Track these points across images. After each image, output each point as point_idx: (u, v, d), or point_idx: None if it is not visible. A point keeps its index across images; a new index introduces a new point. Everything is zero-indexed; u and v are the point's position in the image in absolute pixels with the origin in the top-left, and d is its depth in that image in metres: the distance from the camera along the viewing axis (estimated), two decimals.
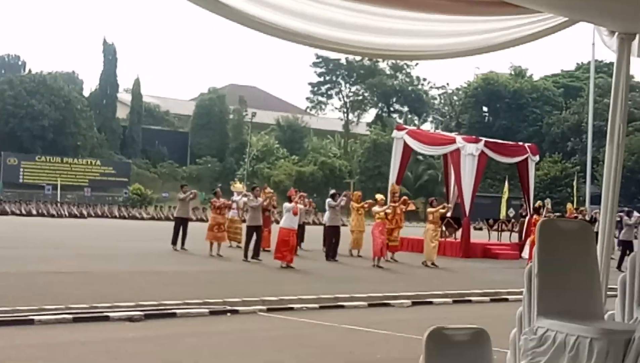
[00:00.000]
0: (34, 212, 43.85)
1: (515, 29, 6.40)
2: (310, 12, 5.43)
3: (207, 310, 12.43)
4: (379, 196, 22.98)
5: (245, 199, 24.50)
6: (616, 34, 6.69)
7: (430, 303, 15.21)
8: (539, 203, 26.63)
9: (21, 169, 57.13)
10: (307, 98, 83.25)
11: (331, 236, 22.64)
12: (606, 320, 4.91)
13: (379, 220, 21.86)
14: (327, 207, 23.45)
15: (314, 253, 23.55)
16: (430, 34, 6.17)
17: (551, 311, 4.63)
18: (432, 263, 22.39)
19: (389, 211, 22.62)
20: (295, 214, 19.86)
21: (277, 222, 22.39)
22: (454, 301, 15.64)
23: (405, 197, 25.18)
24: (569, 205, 31.54)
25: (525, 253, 27.39)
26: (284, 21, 5.38)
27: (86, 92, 70.85)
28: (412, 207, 24.59)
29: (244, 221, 23.06)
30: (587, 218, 27.16)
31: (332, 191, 24.79)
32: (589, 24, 6.87)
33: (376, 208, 22.27)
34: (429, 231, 22.94)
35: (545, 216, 24.93)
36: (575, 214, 28.26)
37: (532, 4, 6.09)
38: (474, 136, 30.23)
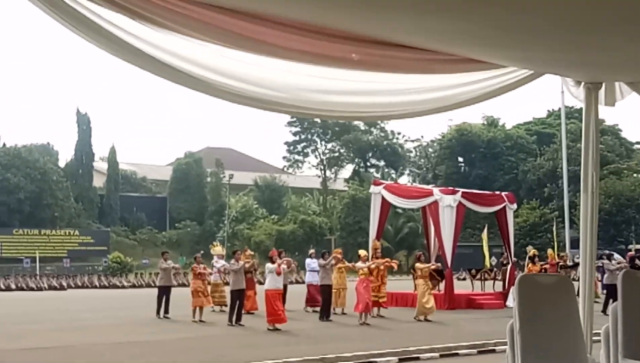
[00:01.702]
0: (13, 286, 43.18)
1: (482, 83, 6.44)
2: (273, 79, 5.45)
3: None
4: (362, 252, 22.94)
5: (224, 263, 24.53)
6: (582, 84, 6.78)
7: (417, 358, 15.02)
8: (532, 251, 26.66)
9: None
10: (284, 157, 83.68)
11: (325, 295, 22.55)
12: None
13: (363, 276, 21.73)
14: (317, 266, 23.37)
15: (297, 313, 23.31)
16: (397, 92, 6.20)
17: None
18: (425, 318, 22.24)
19: (372, 266, 22.54)
20: (278, 274, 19.75)
21: (261, 283, 22.20)
22: (441, 356, 15.46)
23: (387, 260, 25.05)
24: (549, 251, 31.58)
25: (509, 302, 27.35)
26: (251, 89, 5.39)
27: (62, 163, 70.74)
28: (394, 266, 24.67)
29: (226, 283, 22.94)
30: (569, 262, 27.22)
31: (323, 251, 24.77)
32: (553, 75, 6.97)
33: (359, 264, 22.17)
34: (420, 287, 22.83)
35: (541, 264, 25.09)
36: (557, 261, 28.35)
37: (496, 59, 6.16)
38: (450, 188, 30.33)
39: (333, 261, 23.26)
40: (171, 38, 4.89)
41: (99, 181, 70.20)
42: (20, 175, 60.11)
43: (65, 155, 77.90)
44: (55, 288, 43.42)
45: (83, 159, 68.92)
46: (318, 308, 23.09)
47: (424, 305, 22.44)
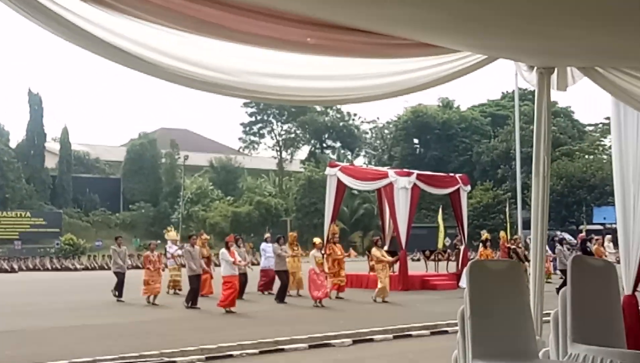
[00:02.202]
0: None
1: (436, 68, 6.47)
2: (227, 63, 5.41)
3: None
4: (316, 240, 23.01)
5: (176, 248, 24.54)
6: (535, 68, 6.85)
7: (372, 340, 15.12)
8: (485, 235, 26.89)
9: None
10: (240, 138, 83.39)
11: (282, 280, 22.58)
12: (541, 359, 4.93)
13: (317, 264, 21.76)
14: (272, 253, 23.38)
15: (252, 296, 23.32)
16: (352, 77, 6.19)
17: (486, 353, 4.62)
18: (383, 299, 22.43)
19: (323, 253, 22.66)
20: (235, 265, 19.76)
21: (217, 265, 22.15)
22: (395, 337, 15.57)
23: (345, 254, 25.16)
24: (502, 234, 32.01)
25: (462, 283, 27.69)
26: (206, 73, 5.34)
27: (13, 144, 69.44)
28: (353, 255, 24.98)
29: (183, 266, 22.88)
30: (521, 245, 27.51)
31: (278, 236, 24.78)
32: (506, 60, 7.03)
33: (314, 252, 22.21)
34: (378, 271, 23.01)
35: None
36: (508, 245, 28.71)
37: (450, 44, 6.19)
38: (405, 170, 30.54)
39: (289, 252, 23.30)
40: (124, 22, 4.81)
41: (51, 162, 69.17)
42: None
43: (17, 136, 76.58)
44: (6, 271, 42.83)
45: (35, 140, 67.82)
46: (274, 292, 23.12)
47: (384, 287, 22.66)
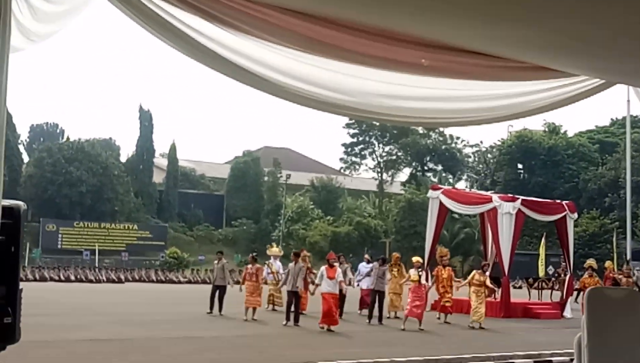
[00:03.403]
0: (73, 278, 44.09)
1: (552, 91, 6.37)
2: (344, 83, 5.49)
3: None
4: (415, 259, 22.82)
5: (280, 265, 24.69)
6: None
7: None
8: (589, 262, 26.03)
9: (60, 235, 57.82)
10: (341, 159, 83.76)
11: (379, 299, 22.52)
12: None
13: (413, 283, 21.59)
14: (372, 272, 23.26)
15: (350, 316, 23.31)
16: (460, 98, 6.18)
17: None
18: (480, 326, 22.09)
19: (421, 274, 22.40)
20: (330, 278, 19.73)
21: (313, 283, 22.23)
22: None
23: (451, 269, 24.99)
24: (607, 263, 31.03)
25: (567, 312, 26.93)
26: (323, 93, 5.45)
27: (123, 158, 72.04)
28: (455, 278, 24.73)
29: (284, 284, 23.04)
30: (631, 275, 26.37)
31: (381, 256, 24.81)
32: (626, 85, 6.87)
33: (412, 271, 22.07)
34: (474, 295, 22.73)
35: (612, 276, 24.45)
36: (613, 274, 27.75)
37: (566, 67, 6.09)
38: (510, 195, 29.99)
39: (387, 274, 23.21)
40: (246, 42, 4.98)
41: (158, 177, 71.24)
42: (82, 169, 61.37)
43: (127, 150, 79.54)
44: (113, 281, 44.20)
45: (144, 155, 70.05)
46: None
47: (476, 312, 22.34)
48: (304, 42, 5.11)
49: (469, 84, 6.05)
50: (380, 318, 22.03)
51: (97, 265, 52.45)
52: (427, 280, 24.87)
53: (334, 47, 5.21)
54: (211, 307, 22.86)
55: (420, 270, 22.25)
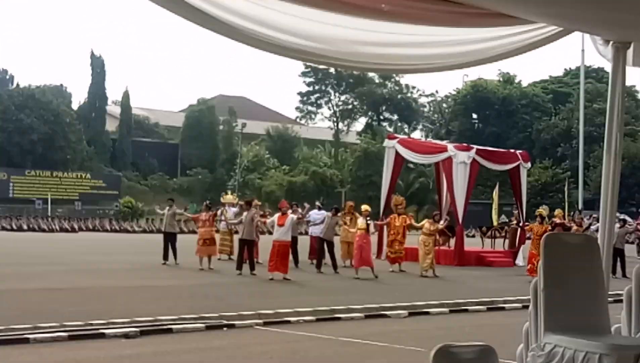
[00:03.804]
0: (25, 227, 43.66)
1: (510, 38, 6.36)
2: (300, 27, 5.40)
3: (203, 325, 12.33)
4: (364, 207, 22.72)
5: (234, 209, 24.49)
6: (611, 43, 6.69)
7: (427, 313, 15.13)
8: (540, 211, 26.29)
9: (11, 184, 56.83)
10: (297, 108, 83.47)
11: (329, 248, 22.61)
12: (614, 335, 4.87)
13: (360, 231, 21.61)
14: (324, 220, 23.21)
15: (303, 265, 23.38)
16: (420, 44, 6.13)
17: (558, 326, 4.58)
18: (434, 274, 22.26)
19: (370, 222, 22.38)
20: (280, 226, 19.67)
21: (270, 233, 22.22)
22: (451, 311, 15.56)
23: (409, 216, 25.05)
24: (557, 211, 31.50)
25: (519, 260, 27.43)
26: (273, 34, 5.34)
27: (75, 106, 70.69)
28: (412, 222, 24.66)
29: (236, 232, 22.95)
30: (584, 226, 26.73)
31: (334, 206, 24.86)
32: (582, 33, 6.88)
33: (359, 220, 22.09)
34: (422, 244, 22.84)
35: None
36: (561, 221, 28.15)
37: (527, 14, 6.07)
38: (465, 144, 30.23)
39: (340, 222, 23.29)
40: None
41: (111, 125, 70.26)
42: (33, 116, 60.10)
43: (79, 97, 78.03)
44: (66, 231, 43.86)
45: (96, 103, 68.91)
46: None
47: (425, 261, 22.51)
48: None
49: (428, 30, 6.00)
50: (334, 266, 22.08)
51: (49, 214, 51.86)
52: (379, 228, 25.07)
53: None
54: (165, 256, 22.65)
55: (368, 218, 22.23)
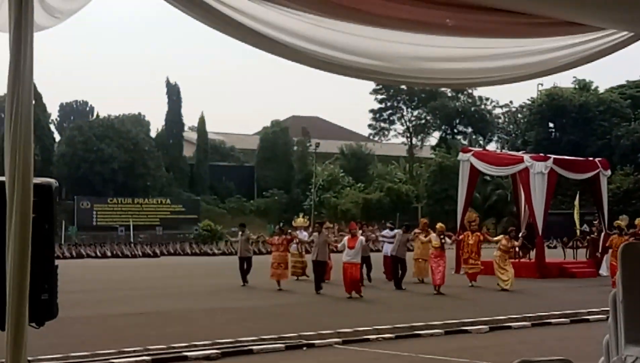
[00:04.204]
0: (109, 254, 44.67)
1: (580, 47, 6.26)
2: (368, 47, 5.43)
3: (283, 345, 12.41)
4: (438, 225, 22.65)
5: (305, 233, 24.82)
6: None
7: (509, 327, 14.89)
8: (618, 222, 25.51)
9: (94, 212, 58.41)
10: (370, 125, 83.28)
11: (402, 266, 22.55)
12: None
13: (434, 249, 21.50)
14: (396, 237, 23.17)
15: (379, 282, 23.34)
16: (487, 57, 6.10)
17: (639, 338, 4.47)
18: (504, 289, 21.99)
19: (444, 241, 22.23)
20: (351, 248, 19.74)
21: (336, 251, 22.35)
22: (533, 325, 15.29)
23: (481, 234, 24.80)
24: (638, 220, 30.64)
25: (602, 270, 26.72)
26: (339, 55, 5.39)
27: (153, 133, 72.31)
28: (487, 237, 24.45)
29: (307, 252, 23.25)
30: None
31: (405, 223, 24.84)
32: None
33: (433, 236, 21.98)
34: (498, 260, 22.58)
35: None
36: None
37: (595, 21, 5.97)
38: (542, 154, 29.72)
39: (410, 237, 23.23)
40: (266, 9, 4.93)
41: (188, 151, 71.53)
42: (113, 146, 61.74)
43: (156, 125, 79.43)
44: (148, 256, 44.67)
45: (173, 130, 70.31)
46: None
47: (501, 277, 22.24)
48: (326, 7, 5.05)
49: (494, 42, 5.97)
50: (398, 284, 21.98)
51: (132, 240, 52.99)
52: (456, 243, 24.88)
53: (355, 10, 5.15)
54: (243, 279, 23.05)
55: (442, 236, 22.11)
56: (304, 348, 12.49)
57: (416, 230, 24.23)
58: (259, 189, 72.48)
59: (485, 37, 5.89)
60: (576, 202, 36.62)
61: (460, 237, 24.26)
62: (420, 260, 23.78)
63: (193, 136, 73.20)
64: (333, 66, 5.45)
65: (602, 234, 27.96)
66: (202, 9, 4.72)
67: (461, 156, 29.43)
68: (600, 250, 27.72)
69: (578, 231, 34.54)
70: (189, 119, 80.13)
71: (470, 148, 36.75)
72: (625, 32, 6.19)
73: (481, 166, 28.43)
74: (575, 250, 30.70)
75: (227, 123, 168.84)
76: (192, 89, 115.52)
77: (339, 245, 20.88)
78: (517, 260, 25.57)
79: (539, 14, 5.76)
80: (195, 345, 12.04)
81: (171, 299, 19.31)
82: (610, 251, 22.86)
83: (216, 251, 48.19)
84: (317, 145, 67.01)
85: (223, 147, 77.33)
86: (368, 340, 13.13)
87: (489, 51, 6.06)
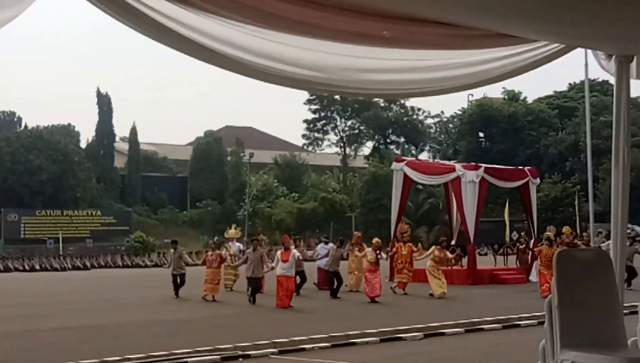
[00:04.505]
0: (38, 267, 43.68)
1: (513, 58, 6.41)
2: (307, 58, 5.46)
3: (218, 357, 12.32)
4: (374, 240, 22.88)
5: (240, 246, 24.83)
6: (614, 57, 6.73)
7: (443, 334, 15.08)
8: (548, 234, 26.18)
9: (22, 225, 57.05)
10: (304, 135, 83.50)
11: (337, 279, 22.68)
12: (631, 349, 4.87)
13: (370, 264, 21.74)
14: (330, 252, 23.32)
15: (313, 292, 23.43)
16: (430, 68, 6.19)
17: (575, 343, 4.59)
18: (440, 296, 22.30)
19: (380, 257, 22.49)
20: (284, 261, 19.78)
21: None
22: (466, 331, 15.51)
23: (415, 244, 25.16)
24: (565, 228, 31.62)
25: (532, 277, 27.30)
26: (277, 66, 5.40)
27: (83, 144, 71.10)
28: (420, 251, 24.78)
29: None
30: (593, 244, 26.61)
31: (340, 239, 25.10)
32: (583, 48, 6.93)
33: (369, 251, 22.20)
34: (431, 271, 22.91)
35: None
36: (570, 241, 28.15)
37: (529, 34, 6.13)
38: (473, 163, 30.23)
39: (344, 251, 23.47)
40: (207, 20, 4.92)
41: (120, 162, 70.55)
42: (42, 157, 60.40)
43: (87, 136, 78.02)
44: (79, 268, 43.85)
45: (104, 140, 69.24)
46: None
47: (434, 285, 22.59)
48: (265, 18, 5.06)
49: (431, 54, 6.07)
50: (334, 294, 22.16)
51: (61, 253, 51.93)
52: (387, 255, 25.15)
53: (295, 22, 5.17)
54: (176, 292, 22.84)
55: (378, 251, 22.34)
56: (240, 359, 12.42)
57: (349, 245, 24.47)
58: (192, 200, 71.87)
59: (421, 49, 5.98)
60: (506, 210, 37.40)
61: (394, 250, 24.49)
62: (354, 272, 24.00)
63: (124, 146, 72.25)
64: (271, 76, 5.46)
65: (532, 241, 28.61)
66: (140, 20, 4.68)
67: (394, 165, 29.73)
68: (530, 257, 28.32)
69: (508, 239, 35.23)
70: (121, 130, 78.99)
71: (403, 157, 37.16)
72: (556, 44, 6.37)
73: (414, 175, 28.79)
74: (505, 257, 31.30)
75: (160, 134, 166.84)
76: (123, 99, 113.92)
77: (273, 263, 20.75)
78: (449, 268, 25.93)
79: (473, 26, 5.87)
80: (129, 359, 11.85)
81: (103, 312, 18.97)
82: (539, 258, 23.32)
83: (148, 263, 47.61)
84: (251, 155, 66.83)
85: (155, 157, 76.49)
86: (304, 349, 13.13)
87: (424, 62, 6.14)
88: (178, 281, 23.00)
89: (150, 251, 54.63)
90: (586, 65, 33.10)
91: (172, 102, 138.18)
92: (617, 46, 6.59)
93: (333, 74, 5.69)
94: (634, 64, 6.76)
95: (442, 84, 6.44)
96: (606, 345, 4.63)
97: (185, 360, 12.05)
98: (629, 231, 30.53)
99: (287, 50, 5.36)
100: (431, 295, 22.38)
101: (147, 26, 4.71)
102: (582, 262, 4.99)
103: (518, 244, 30.96)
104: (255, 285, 20.74)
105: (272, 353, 12.80)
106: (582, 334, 4.67)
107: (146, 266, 46.46)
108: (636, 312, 5.49)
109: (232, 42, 5.11)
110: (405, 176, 28.53)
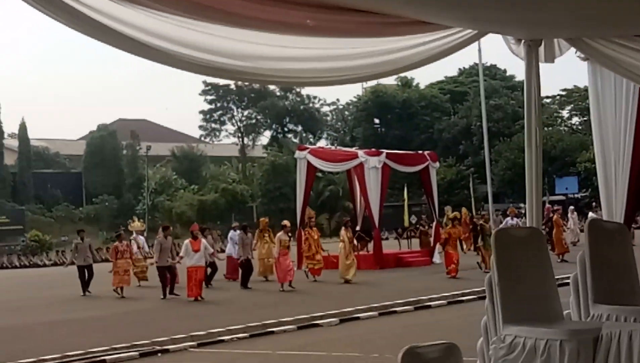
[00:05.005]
0: None
1: (429, 45, 6.55)
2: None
3: (136, 353, 12.16)
4: (284, 222, 22.90)
5: (142, 238, 24.61)
6: (523, 41, 6.99)
7: (357, 318, 15.31)
8: (453, 214, 27.00)
9: None
10: (201, 126, 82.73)
11: (247, 267, 22.62)
12: (568, 321, 5.09)
13: (282, 248, 21.78)
14: (238, 240, 23.21)
15: (223, 283, 23.36)
16: (351, 56, 6.26)
17: (516, 318, 4.77)
18: (347, 280, 22.56)
19: (290, 238, 22.65)
20: (195, 251, 19.63)
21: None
22: (380, 314, 15.79)
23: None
24: (463, 210, 32.65)
25: (435, 259, 27.98)
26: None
27: None
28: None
29: (150, 257, 22.98)
30: (491, 223, 27.61)
31: (244, 224, 24.96)
32: (495, 34, 7.16)
33: (280, 235, 22.21)
34: (342, 250, 23.18)
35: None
36: (474, 220, 29.17)
37: (442, 20, 6.29)
38: (374, 149, 30.65)
39: (254, 240, 23.41)
40: (130, 10, 4.83)
41: (10, 159, 68.12)
42: None
43: None
44: None
45: None
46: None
47: (347, 267, 22.87)
48: (188, 7, 5.02)
49: (352, 42, 6.15)
50: (244, 284, 22.15)
51: None
52: (298, 240, 25.31)
53: (218, 11, 5.14)
54: (84, 289, 22.28)
55: (290, 234, 22.43)
56: (159, 354, 12.30)
57: (258, 232, 24.33)
58: (87, 196, 70.15)
59: (341, 37, 6.04)
60: (405, 194, 38.23)
61: (306, 236, 24.52)
62: (265, 259, 23.84)
63: (14, 143, 69.83)
64: (197, 66, 5.40)
65: (435, 224, 29.29)
66: (61, 10, 4.56)
67: (298, 154, 29.78)
68: (433, 239, 28.98)
69: (407, 222, 35.98)
70: (9, 126, 76.26)
71: (306, 146, 37.27)
72: (469, 30, 6.56)
73: (318, 163, 28.95)
74: (409, 240, 31.94)
75: (51, 129, 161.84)
76: (11, 94, 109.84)
77: (182, 253, 20.50)
78: (356, 253, 26.26)
79: (391, 14, 5.99)
80: (44, 360, 11.54)
81: (8, 314, 18.32)
82: (447, 240, 23.84)
83: (47, 262, 46.22)
84: (149, 148, 65.65)
85: (47, 153, 74.21)
86: (223, 341, 13.11)
87: (344, 51, 6.21)
88: (86, 275, 22.36)
89: (48, 250, 53.06)
90: (479, 50, 34.01)
91: (62, 96, 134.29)
92: (526, 31, 6.85)
93: (259, 64, 5.70)
94: (542, 48, 7.04)
95: (363, 71, 6.52)
96: (546, 319, 4.84)
97: (102, 358, 11.82)
98: (522, 210, 31.83)
99: (213, 40, 5.33)
100: (347, 281, 22.52)
101: (67, 15, 4.59)
102: (518, 240, 5.19)
103: (420, 227, 31.71)
104: (170, 273, 20.41)
105: (191, 347, 12.72)
106: (522, 309, 4.86)
107: (45, 265, 45.10)
108: (565, 284, 5.75)
109: (157, 32, 5.03)
110: (309, 164, 28.64)
